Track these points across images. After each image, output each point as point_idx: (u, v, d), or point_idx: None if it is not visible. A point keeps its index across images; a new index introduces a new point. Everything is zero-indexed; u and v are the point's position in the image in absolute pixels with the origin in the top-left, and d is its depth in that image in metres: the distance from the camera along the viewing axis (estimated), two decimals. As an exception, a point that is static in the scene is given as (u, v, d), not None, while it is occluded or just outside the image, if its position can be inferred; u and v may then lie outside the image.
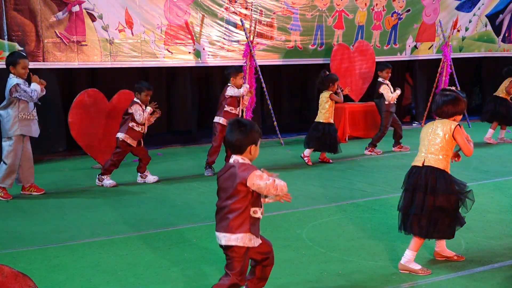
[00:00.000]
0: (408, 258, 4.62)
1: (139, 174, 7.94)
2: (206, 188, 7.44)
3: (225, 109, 8.26)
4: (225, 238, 3.61)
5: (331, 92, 8.82)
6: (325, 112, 8.83)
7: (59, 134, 9.73)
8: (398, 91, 9.69)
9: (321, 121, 8.85)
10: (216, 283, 3.70)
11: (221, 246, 3.69)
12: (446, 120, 4.63)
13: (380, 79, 9.83)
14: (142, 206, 6.77)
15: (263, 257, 3.78)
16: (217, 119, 8.30)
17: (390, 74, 9.92)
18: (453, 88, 4.79)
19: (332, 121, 8.91)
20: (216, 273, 4.46)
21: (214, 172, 8.12)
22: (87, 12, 9.29)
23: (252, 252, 3.70)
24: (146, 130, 7.81)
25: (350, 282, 4.44)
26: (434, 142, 4.60)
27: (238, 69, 8.44)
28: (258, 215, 3.65)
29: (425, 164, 4.60)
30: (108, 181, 7.70)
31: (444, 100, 4.63)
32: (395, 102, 9.75)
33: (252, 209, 3.62)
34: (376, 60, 11.83)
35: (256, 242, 3.66)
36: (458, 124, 4.58)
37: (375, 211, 6.21)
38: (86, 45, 9.34)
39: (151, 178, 7.92)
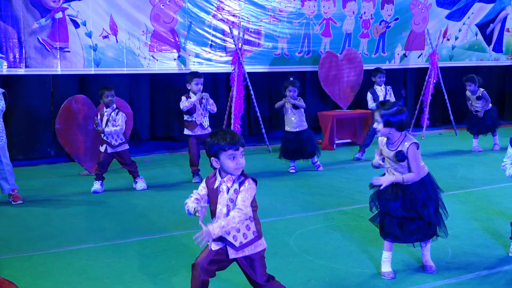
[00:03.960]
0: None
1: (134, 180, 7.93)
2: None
3: (184, 119, 8.31)
4: None
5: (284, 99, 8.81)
6: (292, 119, 8.81)
7: (46, 140, 9.66)
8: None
9: (288, 129, 8.87)
10: None
11: None
12: None
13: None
14: (129, 213, 6.75)
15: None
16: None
17: (382, 79, 9.81)
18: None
19: (300, 129, 8.79)
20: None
21: (202, 179, 8.09)
22: (70, 19, 9.28)
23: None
24: (105, 136, 7.63)
25: (338, 290, 4.44)
26: None
27: (191, 75, 8.27)
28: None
29: None
30: (95, 186, 7.66)
31: None
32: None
33: None
34: (364, 68, 11.85)
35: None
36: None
37: (362, 219, 6.21)
38: (69, 51, 9.32)
39: (139, 185, 7.87)
